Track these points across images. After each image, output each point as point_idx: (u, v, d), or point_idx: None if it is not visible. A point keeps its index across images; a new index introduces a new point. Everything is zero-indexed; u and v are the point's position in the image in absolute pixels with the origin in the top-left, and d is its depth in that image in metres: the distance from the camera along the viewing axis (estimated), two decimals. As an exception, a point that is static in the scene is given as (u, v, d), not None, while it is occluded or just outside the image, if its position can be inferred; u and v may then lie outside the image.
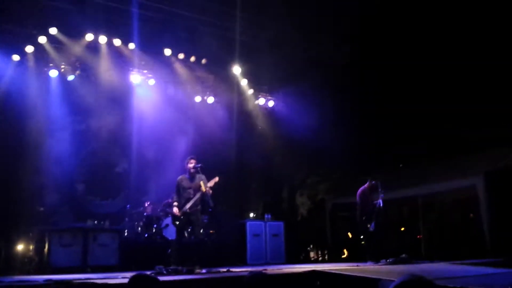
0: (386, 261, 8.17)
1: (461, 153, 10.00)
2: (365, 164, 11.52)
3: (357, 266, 7.52)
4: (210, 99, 11.95)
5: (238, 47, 11.31)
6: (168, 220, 9.15)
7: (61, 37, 9.74)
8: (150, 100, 11.08)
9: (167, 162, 10.50)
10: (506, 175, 9.08)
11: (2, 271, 7.81)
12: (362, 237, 9.13)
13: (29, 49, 9.51)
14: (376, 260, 8.31)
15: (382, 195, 8.66)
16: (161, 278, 5.23)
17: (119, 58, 10.51)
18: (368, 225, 8.74)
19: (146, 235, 9.65)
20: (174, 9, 10.16)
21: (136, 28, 9.97)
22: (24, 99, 9.40)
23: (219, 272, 6.75)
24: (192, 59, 11.14)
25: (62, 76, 10.12)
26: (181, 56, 10.99)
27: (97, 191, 10.56)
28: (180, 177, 7.53)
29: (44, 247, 8.13)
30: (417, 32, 10.22)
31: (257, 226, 10.37)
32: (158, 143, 10.95)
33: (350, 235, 11.21)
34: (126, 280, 5.65)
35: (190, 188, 7.41)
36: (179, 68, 11.22)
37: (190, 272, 6.54)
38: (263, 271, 5.89)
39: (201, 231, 9.74)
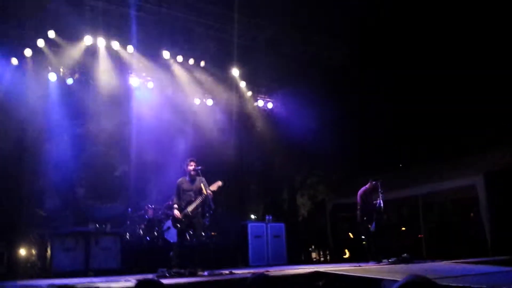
0: (388, 261, 8.18)
1: (461, 153, 10.04)
2: (365, 164, 11.55)
3: (359, 266, 7.53)
4: (209, 102, 11.96)
5: (237, 49, 11.34)
6: (170, 222, 9.15)
7: (60, 41, 9.73)
8: (149, 103, 11.08)
9: (167, 165, 10.50)
10: (506, 174, 9.12)
11: (5, 275, 7.81)
12: (363, 237, 9.14)
13: (28, 52, 9.50)
14: (378, 260, 8.33)
15: (382, 195, 8.68)
16: (165, 281, 5.24)
17: (118, 61, 10.50)
18: (369, 225, 8.76)
19: (148, 238, 9.65)
20: (172, 12, 10.18)
21: (135, 31, 9.98)
22: (23, 102, 9.38)
23: (221, 274, 6.75)
24: (191, 61, 11.15)
25: (61, 80, 10.10)
26: (179, 58, 11.00)
27: (97, 195, 10.54)
28: (180, 179, 7.52)
29: (47, 251, 8.14)
30: (417, 32, 10.26)
31: (259, 227, 10.37)
32: (157, 146, 10.94)
33: (351, 235, 11.23)
34: (129, 284, 5.67)
35: (190, 190, 7.39)
36: (178, 71, 11.22)
37: (193, 274, 6.54)
38: (266, 273, 5.91)
39: (203, 233, 9.77)
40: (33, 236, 8.73)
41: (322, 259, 11.90)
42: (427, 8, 9.97)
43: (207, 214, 9.41)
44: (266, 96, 12.51)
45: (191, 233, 7.42)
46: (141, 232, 9.77)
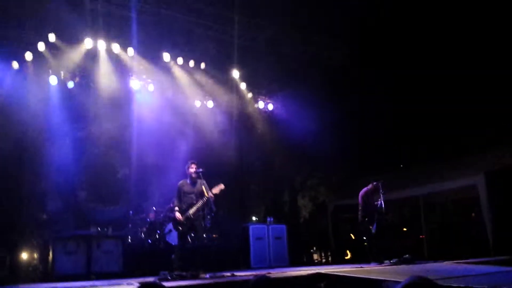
0: (390, 261, 8.18)
1: (462, 153, 10.03)
2: (366, 165, 11.54)
3: (361, 267, 7.54)
4: (210, 103, 11.97)
5: (237, 50, 11.35)
6: (171, 225, 9.16)
7: (60, 44, 9.75)
8: (150, 106, 11.09)
9: (168, 167, 10.51)
10: (506, 174, 9.11)
11: (7, 279, 7.82)
12: (364, 238, 9.14)
13: (29, 56, 9.52)
14: (380, 261, 8.32)
15: (383, 196, 8.68)
16: (167, 284, 5.26)
17: (118, 64, 10.51)
18: (370, 226, 8.76)
19: (149, 241, 9.66)
20: (172, 14, 10.20)
21: (135, 33, 9.99)
22: (24, 106, 9.40)
23: (223, 276, 6.75)
24: (191, 63, 11.16)
25: (61, 83, 10.12)
26: (180, 61, 11.02)
27: (99, 198, 10.56)
28: (181, 181, 7.51)
29: (49, 255, 8.16)
30: (417, 32, 10.27)
31: (260, 229, 10.37)
32: (158, 148, 10.96)
33: (353, 236, 11.21)
34: (131, 287, 5.68)
35: (192, 193, 7.39)
36: (178, 73, 11.23)
37: (195, 277, 6.54)
38: (267, 275, 5.92)
39: (204, 235, 9.78)
40: (35, 240, 8.75)
41: (323, 260, 11.88)
42: (427, 8, 9.98)
43: (209, 217, 9.45)
44: (266, 98, 12.52)
45: (193, 235, 7.43)
46: (143, 235, 9.79)
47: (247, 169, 12.55)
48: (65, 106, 10.12)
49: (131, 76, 10.77)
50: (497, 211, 9.12)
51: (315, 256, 12.09)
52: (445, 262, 7.65)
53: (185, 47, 10.96)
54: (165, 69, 11.05)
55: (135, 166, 10.88)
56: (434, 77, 10.28)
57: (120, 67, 10.57)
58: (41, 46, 9.51)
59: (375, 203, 8.79)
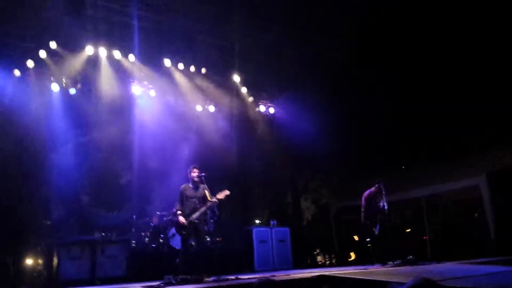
0: (393, 263, 8.17)
1: (463, 153, 10.03)
2: (367, 167, 11.55)
3: (365, 269, 7.53)
4: (211, 108, 12.02)
5: (237, 55, 11.40)
6: (175, 229, 9.18)
7: (61, 51, 9.81)
8: (152, 111, 11.13)
9: (170, 172, 10.55)
10: (508, 174, 9.11)
11: (12, 286, 7.85)
12: (368, 239, 9.14)
13: (30, 63, 9.59)
14: (383, 262, 8.32)
15: (386, 197, 8.69)
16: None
17: (120, 70, 10.57)
18: (373, 228, 8.77)
19: (153, 245, 9.67)
20: (172, 20, 10.25)
21: (136, 40, 10.05)
22: (27, 113, 9.45)
23: (227, 279, 6.76)
24: (192, 68, 11.21)
25: (63, 90, 10.18)
26: (180, 66, 11.07)
27: (102, 203, 10.60)
28: (183, 186, 7.52)
29: (53, 260, 8.19)
30: (417, 32, 10.29)
31: (263, 232, 10.39)
32: (161, 153, 11.00)
33: (356, 238, 11.21)
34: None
35: (194, 197, 7.40)
36: (179, 78, 11.27)
37: (199, 281, 6.55)
38: (271, 278, 5.93)
39: (208, 239, 9.79)
40: (39, 246, 8.79)
41: (327, 262, 11.88)
42: (427, 7, 10.00)
43: (212, 220, 9.47)
44: (267, 101, 12.56)
45: (196, 239, 7.44)
46: (147, 239, 9.81)
47: (249, 172, 12.58)
48: (67, 113, 10.18)
49: (133, 82, 10.83)
50: (500, 211, 9.11)
51: (319, 258, 12.09)
52: (449, 263, 7.65)
53: (185, 52, 11.00)
54: (166, 74, 11.10)
55: (137, 171, 10.92)
56: (434, 77, 10.29)
57: (121, 73, 10.62)
58: (42, 54, 9.57)
59: (378, 204, 8.79)
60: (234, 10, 10.47)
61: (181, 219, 7.25)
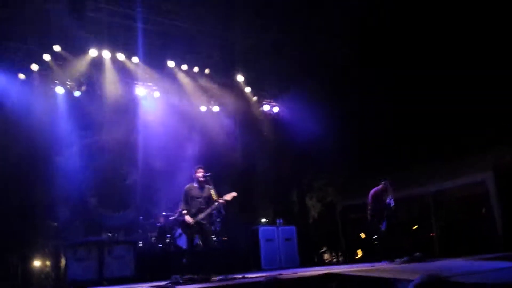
0: (401, 260, 8.15)
1: (470, 149, 9.98)
2: (372, 164, 11.51)
3: (372, 266, 7.52)
4: (215, 108, 12.04)
5: (240, 55, 11.42)
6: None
7: (65, 54, 9.88)
8: (156, 112, 11.19)
9: (176, 172, 10.58)
10: (515, 169, 9.07)
11: (19, 287, 7.91)
12: (374, 237, 9.12)
13: (34, 67, 9.66)
14: (391, 260, 8.30)
15: (392, 194, 8.67)
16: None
17: (124, 72, 10.62)
18: (380, 225, 8.76)
19: (160, 246, 9.71)
20: (175, 21, 10.28)
21: (139, 42, 10.09)
22: (32, 116, 9.51)
23: (234, 278, 6.77)
24: (196, 69, 11.24)
25: (68, 92, 10.24)
26: (184, 67, 11.10)
27: (108, 204, 10.65)
28: (188, 185, 7.49)
29: (60, 262, 8.25)
30: (417, 32, 10.25)
31: (270, 231, 10.39)
32: (166, 154, 11.04)
33: (363, 235, 11.19)
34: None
35: (200, 197, 7.40)
36: (183, 79, 11.31)
37: (206, 280, 6.57)
38: (278, 276, 5.93)
39: (214, 238, 9.82)
40: (47, 248, 8.85)
41: (334, 260, 11.87)
42: (427, 7, 9.97)
43: (218, 220, 9.48)
44: (271, 100, 12.57)
45: (202, 239, 7.45)
46: (153, 239, 9.84)
47: (253, 171, 12.59)
48: (72, 115, 10.25)
49: (137, 83, 10.88)
50: (507, 207, 9.06)
51: (326, 256, 12.07)
52: (456, 259, 7.61)
53: (189, 53, 11.04)
54: (170, 75, 11.14)
55: (143, 171, 10.97)
56: (439, 76, 10.24)
57: (125, 75, 10.68)
58: (46, 57, 9.64)
59: (385, 202, 8.78)
60: (235, 11, 10.49)
61: (188, 218, 7.25)
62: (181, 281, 6.44)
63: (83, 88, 10.31)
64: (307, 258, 11.01)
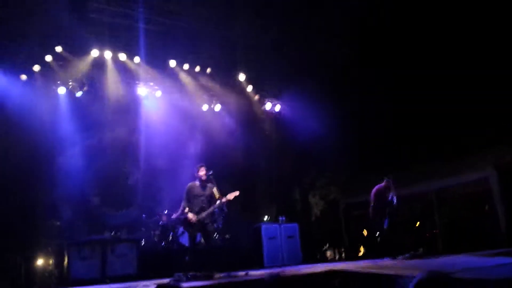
0: (403, 256, 8.16)
1: (472, 146, 9.96)
2: (375, 162, 11.51)
3: (375, 263, 7.52)
4: (217, 107, 12.06)
5: (242, 54, 11.44)
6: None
7: (67, 55, 9.92)
8: (158, 111, 11.22)
9: (178, 171, 10.61)
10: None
11: (23, 286, 7.95)
12: (377, 234, 9.12)
13: (36, 68, 9.69)
14: (393, 256, 8.30)
15: (395, 191, 8.68)
16: (183, 285, 5.29)
17: (125, 72, 10.65)
18: (382, 222, 8.76)
19: (163, 243, 9.74)
20: (176, 21, 10.30)
21: (141, 42, 10.12)
22: (34, 117, 9.54)
23: (237, 276, 6.79)
24: (197, 69, 11.26)
25: (70, 93, 10.28)
26: (186, 66, 11.12)
27: (111, 203, 10.69)
28: (190, 184, 7.49)
29: (64, 260, 8.28)
30: (417, 31, 10.25)
31: (272, 229, 10.39)
32: (168, 153, 11.07)
33: (365, 232, 11.19)
34: (147, 288, 5.73)
35: (202, 196, 7.41)
36: (185, 79, 11.34)
37: (209, 277, 6.58)
38: (281, 273, 5.95)
39: (217, 236, 9.84)
40: (50, 246, 8.89)
41: (337, 257, 11.88)
42: (427, 7, 9.96)
43: (221, 218, 9.50)
44: (273, 99, 12.58)
45: (204, 237, 7.47)
46: (156, 237, 9.87)
47: (256, 169, 12.60)
48: (74, 115, 10.29)
49: (138, 83, 10.90)
50: (510, 204, 9.04)
51: (328, 254, 12.07)
52: (459, 256, 7.60)
53: (190, 53, 11.07)
54: (172, 75, 11.17)
55: (145, 170, 11.00)
56: (442, 75, 10.22)
57: (127, 75, 10.70)
58: (48, 58, 9.67)
59: (387, 199, 8.79)
60: (236, 10, 10.51)
61: (191, 215, 7.25)
62: (184, 279, 6.46)
63: (85, 88, 10.34)
64: (310, 256, 11.01)
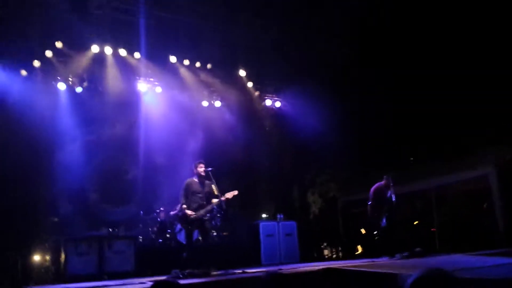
0: (401, 255, 8.14)
1: (472, 144, 9.94)
2: (374, 160, 11.49)
3: (372, 261, 7.51)
4: (217, 103, 12.03)
5: (242, 50, 11.42)
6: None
7: (67, 50, 9.89)
8: (158, 107, 11.20)
9: (177, 167, 10.58)
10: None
11: (20, 281, 7.95)
12: (375, 232, 9.11)
13: (36, 63, 9.67)
14: (391, 255, 8.29)
15: (394, 189, 8.66)
16: (180, 282, 5.29)
17: (125, 68, 10.62)
18: (380, 220, 8.75)
19: (160, 240, 9.73)
20: (177, 16, 10.27)
21: (141, 37, 10.09)
22: (34, 112, 9.52)
23: (234, 273, 6.79)
24: (198, 64, 11.23)
25: (70, 88, 10.26)
26: (186, 62, 11.09)
27: (109, 199, 10.67)
28: (188, 180, 7.45)
29: (61, 256, 8.28)
30: (417, 31, 10.22)
31: (270, 226, 10.38)
32: (167, 149, 11.05)
33: (363, 231, 11.18)
34: (143, 286, 5.73)
35: (200, 192, 7.38)
36: (185, 74, 11.31)
37: (206, 274, 6.58)
38: (279, 271, 5.94)
39: (215, 233, 9.83)
40: (47, 242, 8.88)
41: (334, 255, 11.88)
42: (427, 7, 9.93)
43: (219, 215, 9.49)
44: (274, 95, 12.55)
45: (202, 234, 7.46)
46: (154, 234, 9.87)
47: (255, 166, 12.58)
48: (74, 111, 10.26)
49: (138, 79, 10.88)
50: (509, 202, 9.02)
51: (326, 252, 12.07)
52: (457, 255, 7.59)
53: (191, 49, 11.04)
54: (172, 71, 11.14)
55: (144, 167, 10.97)
56: (442, 74, 10.19)
57: (127, 71, 10.67)
58: (48, 53, 9.65)
59: (386, 198, 8.77)
60: (237, 8, 10.48)
61: (189, 212, 7.24)
62: (181, 276, 6.46)
63: (85, 84, 10.32)
64: (307, 254, 11.01)
